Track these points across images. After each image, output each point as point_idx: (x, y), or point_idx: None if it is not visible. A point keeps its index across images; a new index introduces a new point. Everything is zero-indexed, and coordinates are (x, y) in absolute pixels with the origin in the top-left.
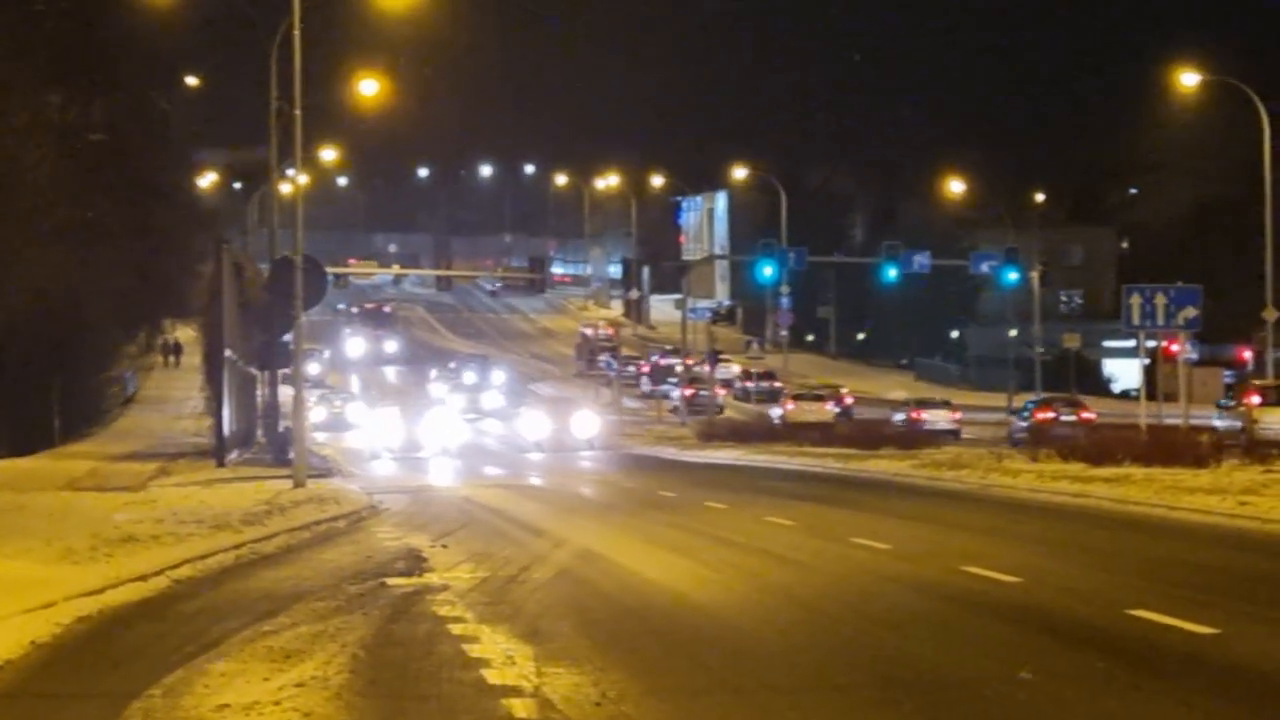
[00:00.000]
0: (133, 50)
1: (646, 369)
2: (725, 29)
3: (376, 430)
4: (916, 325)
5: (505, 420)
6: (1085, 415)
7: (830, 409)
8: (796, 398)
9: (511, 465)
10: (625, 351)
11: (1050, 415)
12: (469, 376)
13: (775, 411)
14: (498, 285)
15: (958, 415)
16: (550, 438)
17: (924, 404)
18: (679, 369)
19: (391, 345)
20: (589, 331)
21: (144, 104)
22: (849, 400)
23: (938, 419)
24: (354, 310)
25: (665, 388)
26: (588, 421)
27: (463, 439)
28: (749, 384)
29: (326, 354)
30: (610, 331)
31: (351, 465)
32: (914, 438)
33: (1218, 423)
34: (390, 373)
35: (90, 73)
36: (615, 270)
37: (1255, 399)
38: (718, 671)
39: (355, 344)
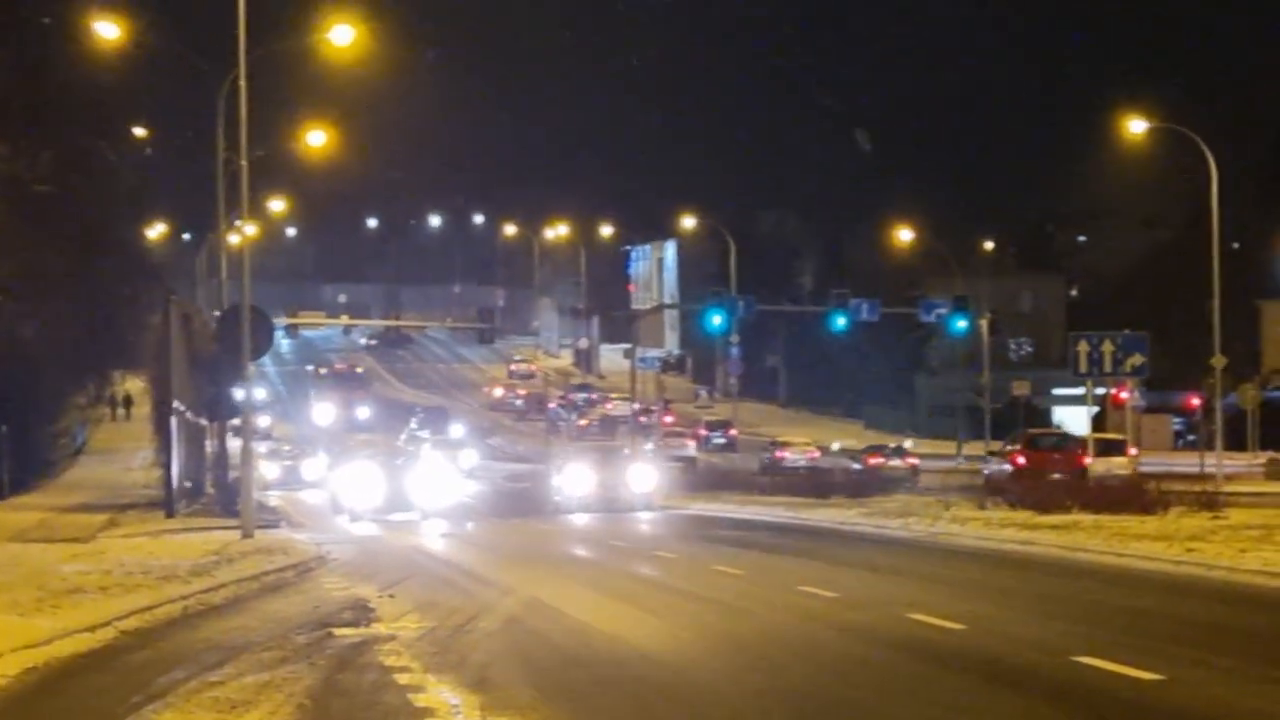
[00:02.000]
0: (80, 101)
1: (554, 405)
2: (673, 78)
3: (348, 488)
4: (866, 373)
5: (483, 479)
6: (910, 460)
7: (691, 445)
8: (667, 434)
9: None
10: (546, 389)
11: (880, 460)
12: (449, 430)
13: (647, 446)
14: (372, 340)
15: (815, 454)
16: (595, 494)
17: (785, 445)
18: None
19: (365, 411)
20: (513, 367)
21: (91, 155)
22: (733, 433)
23: (797, 458)
24: (323, 372)
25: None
26: (644, 475)
27: (452, 498)
28: (642, 419)
29: (265, 415)
30: (532, 369)
31: (312, 524)
32: (864, 486)
33: (985, 469)
34: (361, 437)
35: (37, 124)
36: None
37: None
38: None
39: (324, 410)
